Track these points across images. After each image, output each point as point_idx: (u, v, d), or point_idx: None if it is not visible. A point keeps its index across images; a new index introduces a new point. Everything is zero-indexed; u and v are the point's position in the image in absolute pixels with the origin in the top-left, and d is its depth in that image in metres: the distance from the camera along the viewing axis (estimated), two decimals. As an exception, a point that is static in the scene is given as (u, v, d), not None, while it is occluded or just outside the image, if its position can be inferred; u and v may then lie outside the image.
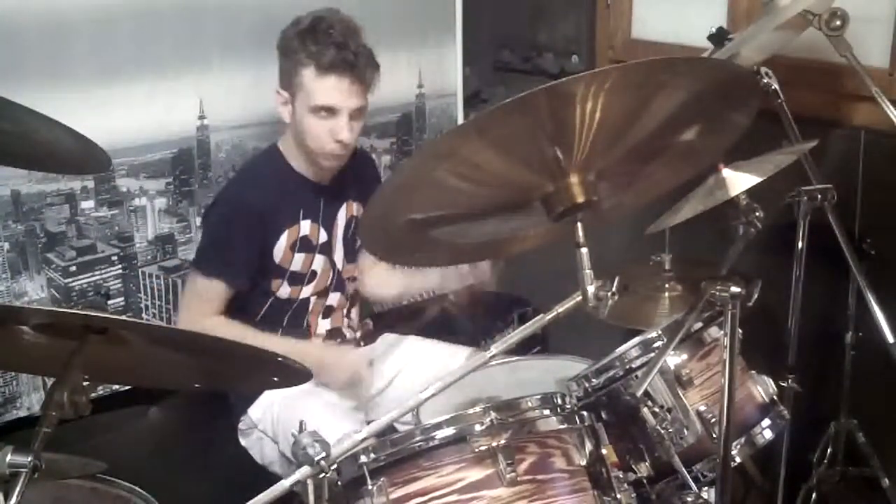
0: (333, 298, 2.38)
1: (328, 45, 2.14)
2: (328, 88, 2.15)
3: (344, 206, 2.39)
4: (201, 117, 2.42)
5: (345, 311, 2.44)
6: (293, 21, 2.21)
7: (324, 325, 2.39)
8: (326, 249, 2.35)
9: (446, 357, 2.40)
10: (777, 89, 2.08)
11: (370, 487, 1.48)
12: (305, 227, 2.30)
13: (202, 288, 2.24)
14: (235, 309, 2.34)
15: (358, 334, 2.49)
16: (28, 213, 2.20)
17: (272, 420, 2.23)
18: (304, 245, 2.30)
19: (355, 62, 2.15)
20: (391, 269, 2.65)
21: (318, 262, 2.34)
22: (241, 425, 2.31)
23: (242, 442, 2.32)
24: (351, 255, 2.43)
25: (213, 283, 2.22)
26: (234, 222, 2.24)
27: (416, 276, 2.58)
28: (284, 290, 2.31)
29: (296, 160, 2.29)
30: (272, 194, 2.25)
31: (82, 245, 2.30)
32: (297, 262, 2.29)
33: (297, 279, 2.31)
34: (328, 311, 2.39)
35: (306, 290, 2.33)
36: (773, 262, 2.21)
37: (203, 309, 2.23)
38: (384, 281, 2.57)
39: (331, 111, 2.17)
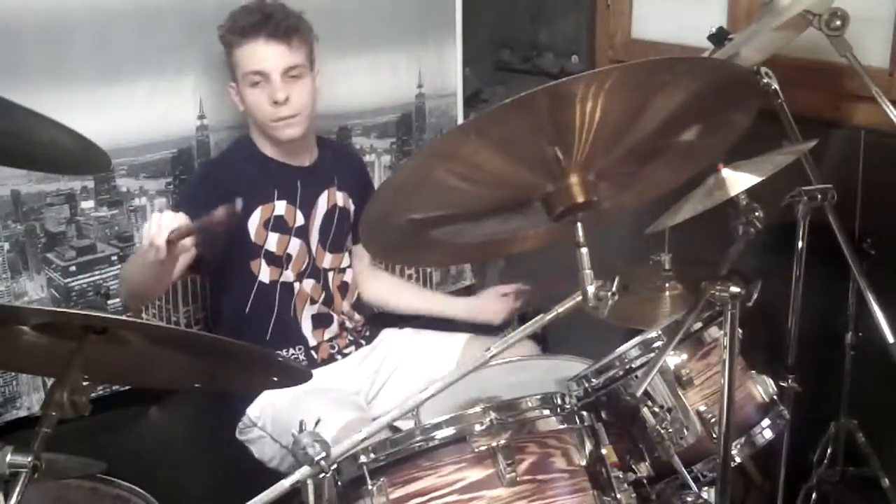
0: (308, 285, 2.38)
1: (242, 13, 2.20)
2: (250, 53, 2.19)
3: (326, 192, 2.40)
4: (201, 117, 2.42)
5: (330, 300, 2.44)
6: (225, 20, 2.25)
7: (309, 312, 2.39)
8: (302, 233, 2.36)
9: (444, 344, 2.41)
10: (777, 89, 2.08)
11: (370, 487, 1.48)
12: (280, 207, 2.32)
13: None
14: (224, 301, 2.35)
15: (351, 325, 2.48)
16: (28, 213, 2.20)
17: (272, 418, 2.24)
18: (279, 225, 2.32)
19: (268, 21, 2.18)
20: (399, 280, 2.70)
21: (294, 245, 2.34)
22: (239, 424, 2.32)
23: (241, 438, 2.33)
24: (332, 245, 2.43)
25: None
26: (201, 189, 2.29)
27: (430, 299, 2.66)
28: (265, 273, 2.31)
29: (266, 146, 2.33)
30: (243, 173, 2.30)
31: (82, 245, 2.30)
32: (272, 241, 2.31)
33: (275, 260, 2.32)
34: (311, 299, 2.39)
35: (288, 274, 2.34)
36: (773, 262, 2.21)
37: None
38: (387, 290, 2.61)
39: (262, 75, 2.19)
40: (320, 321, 2.41)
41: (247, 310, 2.33)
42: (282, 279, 2.34)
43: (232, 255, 2.29)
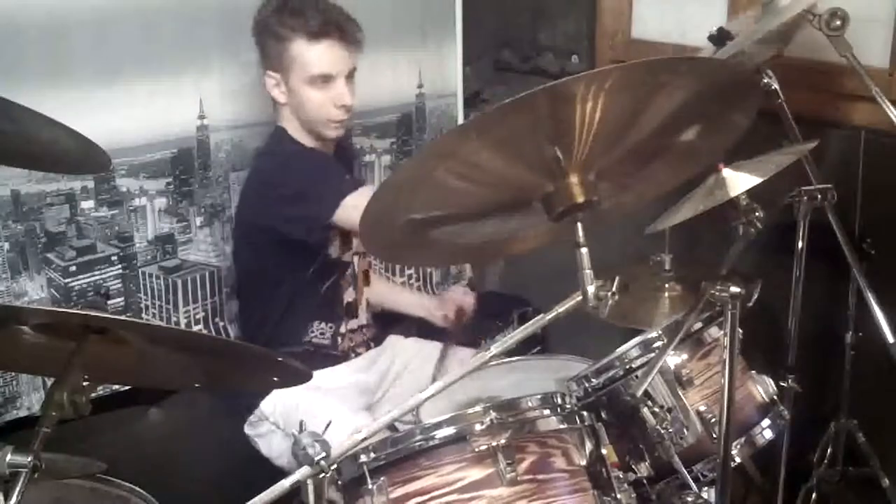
0: (356, 262, 2.41)
1: (312, 13, 2.17)
2: (321, 56, 2.18)
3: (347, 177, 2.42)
4: (201, 117, 2.42)
5: (357, 286, 2.46)
6: (263, 3, 2.24)
7: (348, 296, 2.41)
8: None
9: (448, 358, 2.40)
10: (777, 89, 2.08)
11: (370, 487, 1.48)
12: None
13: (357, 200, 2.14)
14: (288, 264, 2.31)
15: (362, 336, 2.49)
16: (28, 213, 2.20)
17: (284, 413, 2.24)
18: None
19: (343, 25, 2.19)
20: (378, 276, 2.70)
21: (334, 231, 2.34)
22: (251, 417, 2.32)
23: (249, 433, 2.33)
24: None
25: (359, 193, 2.15)
26: (273, 194, 2.24)
27: (400, 295, 2.65)
28: (335, 248, 2.32)
29: (306, 138, 2.31)
30: (302, 168, 2.26)
31: (82, 245, 2.29)
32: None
33: (346, 240, 2.33)
34: (349, 282, 2.42)
35: (346, 256, 2.37)
36: (773, 262, 2.21)
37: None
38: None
39: (328, 78, 2.20)
40: (349, 309, 2.43)
41: (308, 275, 2.30)
42: (343, 258, 2.35)
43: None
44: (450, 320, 2.48)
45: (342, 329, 2.41)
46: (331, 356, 2.38)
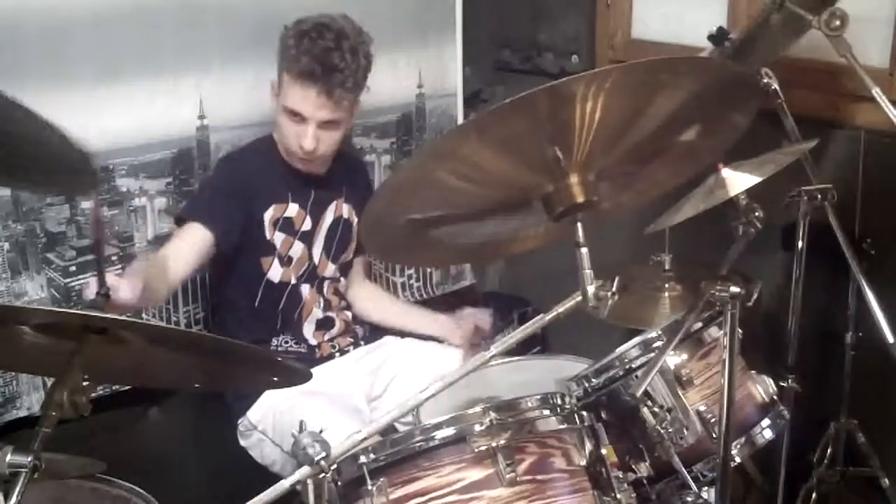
0: (304, 290, 2.40)
1: (306, 52, 2.17)
2: (295, 95, 2.20)
3: (334, 203, 2.42)
4: (201, 117, 2.42)
5: (329, 306, 2.45)
6: (298, 20, 2.25)
7: (314, 317, 2.41)
8: (306, 239, 2.37)
9: (446, 358, 2.40)
10: (777, 89, 2.08)
11: (370, 487, 1.48)
12: (292, 209, 2.33)
13: (181, 230, 2.25)
14: (232, 296, 2.38)
15: (350, 338, 2.49)
16: (28, 213, 2.20)
17: (273, 422, 2.24)
18: (286, 226, 2.33)
19: (327, 76, 2.17)
20: (389, 296, 2.72)
21: (297, 248, 2.36)
22: (240, 427, 2.32)
23: (242, 443, 2.33)
24: (335, 255, 2.44)
25: (192, 225, 2.22)
26: (222, 180, 2.32)
27: (412, 316, 2.61)
28: (276, 272, 2.33)
29: (285, 153, 2.33)
30: (261, 171, 2.32)
31: (82, 245, 2.29)
32: (278, 241, 2.33)
33: (287, 261, 2.35)
34: (317, 304, 2.41)
35: (295, 280, 2.37)
36: (773, 262, 2.21)
37: (176, 246, 2.21)
38: (375, 304, 2.59)
39: (299, 117, 2.21)
40: (323, 324, 2.43)
41: (255, 304, 2.35)
42: (292, 281, 2.36)
43: (243, 249, 2.30)
44: (466, 340, 2.46)
45: (313, 342, 2.41)
46: (314, 361, 2.37)
